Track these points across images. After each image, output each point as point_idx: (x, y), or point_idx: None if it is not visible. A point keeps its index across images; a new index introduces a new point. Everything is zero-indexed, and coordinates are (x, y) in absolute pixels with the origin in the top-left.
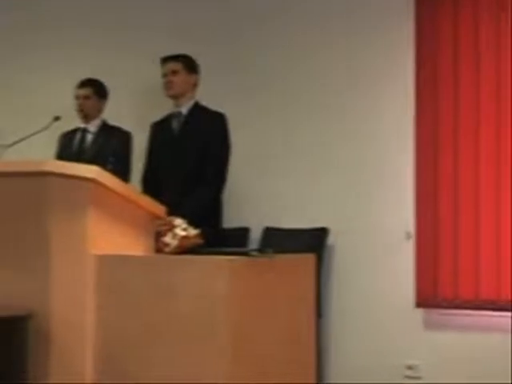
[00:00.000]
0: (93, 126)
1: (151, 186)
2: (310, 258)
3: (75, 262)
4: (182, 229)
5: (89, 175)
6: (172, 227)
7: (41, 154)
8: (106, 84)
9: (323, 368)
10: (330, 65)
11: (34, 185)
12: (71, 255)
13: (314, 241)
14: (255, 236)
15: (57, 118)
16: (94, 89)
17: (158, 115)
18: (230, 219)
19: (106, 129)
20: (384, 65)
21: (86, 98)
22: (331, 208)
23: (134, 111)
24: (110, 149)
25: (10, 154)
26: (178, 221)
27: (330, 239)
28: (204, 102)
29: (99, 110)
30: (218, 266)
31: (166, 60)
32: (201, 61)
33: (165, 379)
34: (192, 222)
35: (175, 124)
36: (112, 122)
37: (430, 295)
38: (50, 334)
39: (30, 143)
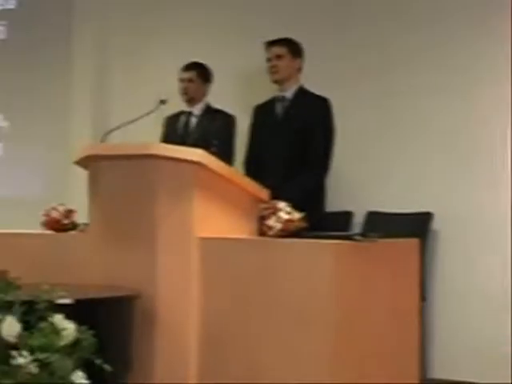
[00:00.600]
0: (197, 110)
1: (253, 170)
2: (413, 243)
3: (180, 245)
4: (285, 212)
5: (194, 158)
6: (276, 210)
7: (146, 137)
8: (210, 67)
9: (426, 351)
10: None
11: (140, 167)
12: (177, 237)
13: (417, 225)
14: (358, 220)
15: (162, 102)
16: (198, 72)
17: (261, 98)
18: (334, 203)
19: (210, 112)
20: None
21: (190, 81)
22: (436, 192)
23: (238, 94)
24: (213, 132)
25: (115, 138)
26: (282, 204)
27: (435, 224)
28: (309, 87)
29: (203, 94)
30: (321, 249)
31: (270, 44)
32: (306, 45)
33: (268, 361)
34: (295, 206)
35: (279, 108)
36: (216, 105)
37: None
38: (155, 314)
39: (136, 126)
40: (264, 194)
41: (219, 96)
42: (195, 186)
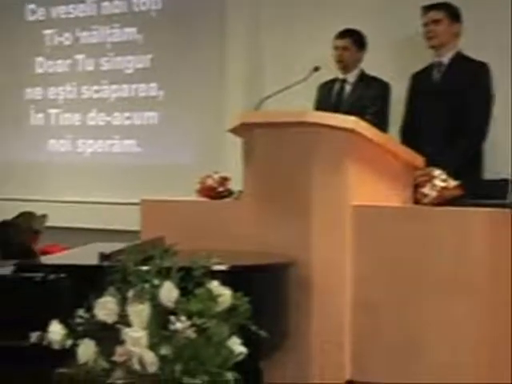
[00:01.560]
0: (351, 77)
1: (410, 137)
2: None
3: (334, 212)
4: (441, 180)
5: (348, 125)
6: (431, 178)
7: (299, 105)
8: (364, 34)
9: None
10: None
11: (294, 135)
12: (331, 205)
13: None
14: None
15: (316, 69)
16: (352, 39)
17: (417, 65)
18: (490, 170)
19: (365, 79)
20: None
21: (345, 49)
22: None
23: (394, 61)
24: (368, 99)
25: (269, 105)
26: (438, 171)
27: None
28: (468, 53)
29: (358, 61)
30: (476, 218)
31: (427, 9)
32: (464, 10)
33: (418, 324)
34: (451, 173)
35: (436, 74)
36: (371, 72)
37: None
38: (309, 281)
39: (290, 94)
40: (419, 161)
41: (374, 63)
42: (349, 153)
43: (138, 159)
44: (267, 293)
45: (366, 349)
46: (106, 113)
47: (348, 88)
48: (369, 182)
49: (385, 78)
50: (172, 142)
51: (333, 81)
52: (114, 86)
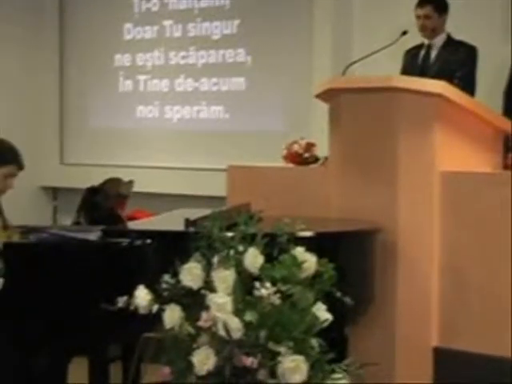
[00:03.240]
0: (437, 42)
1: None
2: None
3: (422, 178)
4: None
5: (436, 90)
6: None
7: (386, 70)
8: None
9: None
10: None
11: (381, 100)
12: (418, 171)
13: None
14: None
15: (404, 33)
16: (433, 6)
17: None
18: None
19: (451, 44)
20: None
21: (427, 17)
22: None
23: (476, 25)
24: (455, 64)
25: (356, 71)
26: None
27: None
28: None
29: (441, 26)
30: None
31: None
32: None
33: (507, 292)
34: None
35: None
36: (457, 36)
37: None
38: (396, 248)
39: (376, 59)
40: (508, 126)
41: (461, 26)
42: (437, 118)
43: (225, 125)
44: (353, 259)
45: (453, 316)
46: (193, 79)
47: (434, 53)
48: (457, 147)
49: (472, 42)
50: (259, 108)
51: (419, 47)
52: (202, 52)
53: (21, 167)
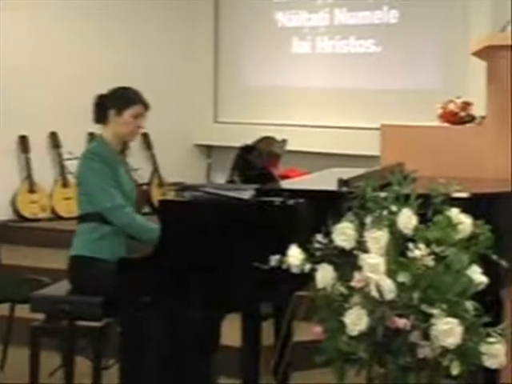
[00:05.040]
0: None
1: None
2: None
3: None
4: None
5: None
6: None
7: None
8: None
9: None
10: None
11: None
12: None
13: None
14: None
15: None
16: None
17: None
18: None
19: None
20: None
21: None
22: None
23: None
24: None
25: None
26: None
27: None
28: None
29: None
30: None
31: None
32: None
33: None
34: None
35: None
36: None
37: None
38: None
39: None
40: None
41: None
42: None
43: (380, 84)
44: (509, 221)
45: None
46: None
47: None
48: None
49: None
50: (417, 66)
51: None
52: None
53: (147, 107)
